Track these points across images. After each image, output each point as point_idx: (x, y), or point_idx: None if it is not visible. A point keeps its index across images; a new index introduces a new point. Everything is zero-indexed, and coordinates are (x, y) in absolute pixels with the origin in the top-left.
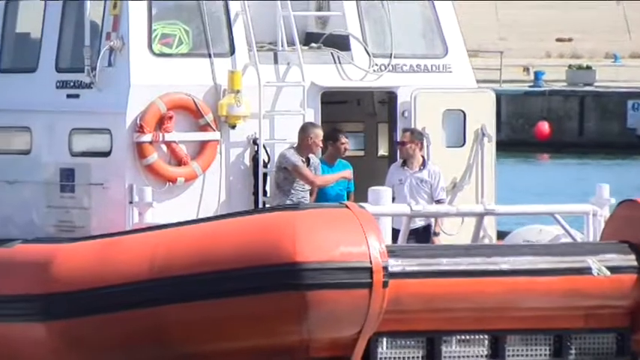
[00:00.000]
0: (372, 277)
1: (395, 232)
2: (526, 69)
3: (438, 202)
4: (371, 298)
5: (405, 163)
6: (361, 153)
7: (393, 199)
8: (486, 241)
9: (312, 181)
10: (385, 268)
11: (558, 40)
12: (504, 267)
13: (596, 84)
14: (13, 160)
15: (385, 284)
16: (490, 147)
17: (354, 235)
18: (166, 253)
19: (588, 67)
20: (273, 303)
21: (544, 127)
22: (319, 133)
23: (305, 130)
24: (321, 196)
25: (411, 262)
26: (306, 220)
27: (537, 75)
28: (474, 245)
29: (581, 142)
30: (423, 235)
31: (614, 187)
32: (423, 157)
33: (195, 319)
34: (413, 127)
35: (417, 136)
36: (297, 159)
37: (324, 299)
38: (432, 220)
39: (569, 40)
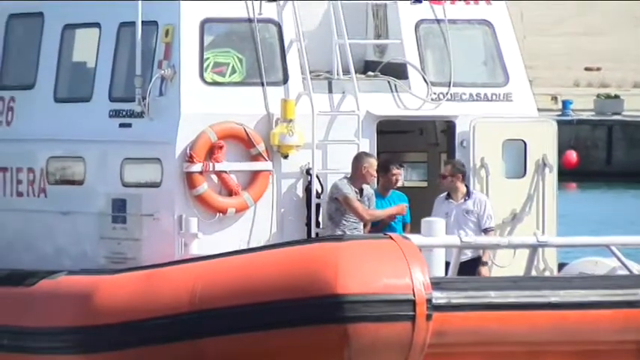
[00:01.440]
0: (414, 310)
1: (446, 265)
2: (554, 98)
3: (486, 230)
4: (414, 331)
5: (449, 196)
6: (424, 184)
7: None
8: (547, 274)
9: (361, 215)
10: (429, 301)
11: (587, 69)
12: (554, 300)
13: (624, 113)
14: (67, 190)
15: (429, 317)
16: (551, 177)
17: (397, 267)
18: (207, 284)
19: (616, 97)
20: (314, 336)
21: (572, 156)
22: (373, 163)
23: (359, 159)
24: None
25: (457, 295)
26: (349, 252)
27: (565, 104)
28: (522, 277)
29: (609, 170)
30: (472, 266)
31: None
32: (467, 186)
33: (235, 352)
34: (455, 160)
35: (458, 169)
36: (348, 190)
37: (366, 332)
38: (481, 251)
39: (598, 69)
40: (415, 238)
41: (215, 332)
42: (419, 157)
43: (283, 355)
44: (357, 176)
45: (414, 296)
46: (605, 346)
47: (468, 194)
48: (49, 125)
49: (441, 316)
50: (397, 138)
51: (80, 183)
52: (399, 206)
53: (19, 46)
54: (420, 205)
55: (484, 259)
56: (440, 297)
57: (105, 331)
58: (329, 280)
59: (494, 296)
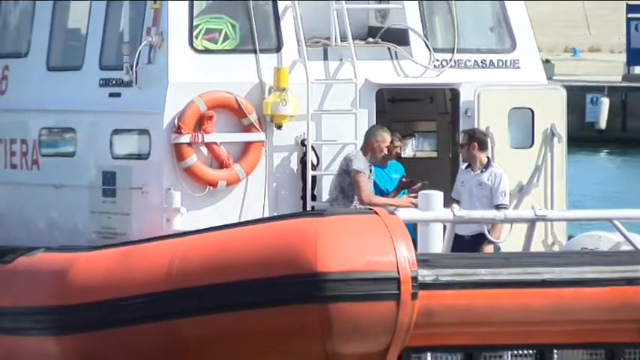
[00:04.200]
0: (399, 288)
1: (458, 239)
2: None
3: (498, 207)
4: (399, 311)
5: (469, 165)
6: (434, 154)
7: (459, 202)
8: (555, 248)
9: (361, 196)
10: (414, 279)
11: None
12: (548, 277)
13: (555, 77)
14: (59, 163)
15: (414, 296)
16: (561, 148)
17: (381, 243)
18: (184, 262)
19: (547, 61)
20: (294, 316)
21: None
22: (386, 138)
23: (372, 131)
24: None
25: (445, 272)
26: (330, 227)
27: None
28: (514, 254)
29: None
30: (478, 242)
31: (576, 181)
32: (488, 158)
33: (212, 332)
34: (474, 127)
35: (473, 138)
36: (363, 166)
37: (348, 312)
38: (490, 226)
39: None
40: (402, 213)
41: (191, 312)
42: (430, 126)
43: (263, 335)
44: (368, 148)
45: (399, 274)
46: (603, 325)
47: (487, 166)
48: (42, 95)
49: (428, 294)
50: (408, 106)
51: (71, 155)
52: (405, 199)
53: (14, 14)
54: (431, 177)
55: (493, 237)
56: (427, 274)
57: (78, 311)
58: (309, 258)
59: (484, 273)
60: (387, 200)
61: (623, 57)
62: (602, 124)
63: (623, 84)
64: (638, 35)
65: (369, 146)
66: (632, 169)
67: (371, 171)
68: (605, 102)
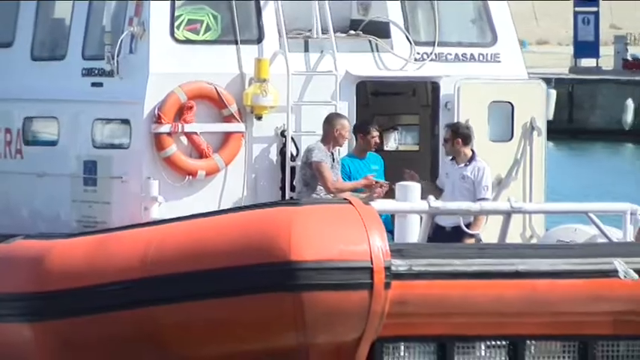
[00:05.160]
0: (372, 278)
1: (439, 230)
2: None
3: (479, 201)
4: (371, 300)
5: (454, 158)
6: (416, 147)
7: (442, 190)
8: (534, 241)
9: (327, 185)
10: (388, 268)
11: None
12: (521, 268)
13: None
14: (42, 151)
15: (387, 285)
16: (540, 141)
17: (355, 233)
18: (159, 250)
19: None
20: (268, 304)
21: None
22: (345, 125)
23: (330, 120)
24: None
25: (418, 263)
26: (304, 217)
27: None
28: (489, 245)
29: None
30: (458, 234)
31: None
32: (472, 151)
33: (187, 319)
34: (457, 122)
35: (456, 133)
36: (322, 156)
37: (321, 301)
38: (471, 218)
39: None
40: (377, 204)
41: (167, 299)
42: (413, 119)
43: (237, 323)
44: (329, 138)
45: (372, 263)
46: (576, 317)
47: (471, 159)
48: (26, 84)
49: (401, 284)
50: (390, 100)
51: (54, 144)
52: (366, 179)
53: None
54: (413, 169)
55: (474, 229)
56: (400, 265)
57: (54, 298)
58: (282, 247)
59: (458, 264)
60: (352, 183)
61: (571, 50)
62: (550, 115)
63: (570, 76)
64: (584, 28)
65: (330, 136)
66: (578, 159)
67: (334, 160)
68: (553, 94)
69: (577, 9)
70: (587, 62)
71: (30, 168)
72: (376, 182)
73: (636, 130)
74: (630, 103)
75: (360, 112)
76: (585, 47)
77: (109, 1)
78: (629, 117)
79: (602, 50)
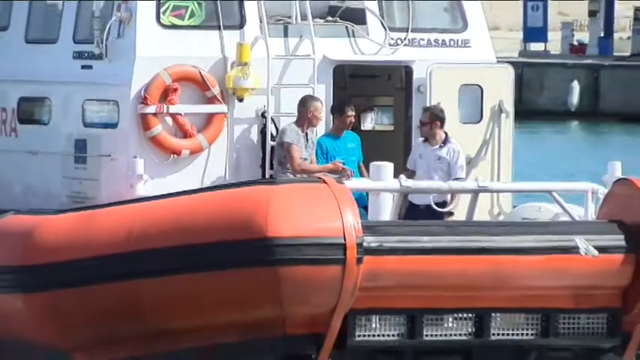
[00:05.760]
0: (345, 254)
1: (413, 208)
2: None
3: (456, 180)
4: (344, 274)
5: (427, 139)
6: (391, 127)
7: (414, 172)
8: (501, 218)
9: (293, 166)
10: (360, 245)
11: None
12: (487, 245)
13: None
14: (35, 130)
15: (359, 260)
16: (508, 123)
17: (329, 211)
18: (143, 226)
19: None
20: (246, 278)
21: None
22: (319, 106)
23: (304, 103)
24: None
25: (389, 239)
26: (281, 195)
27: None
28: (456, 222)
29: None
30: (431, 212)
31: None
32: (446, 133)
33: (169, 293)
34: (434, 105)
35: (436, 116)
36: (293, 137)
37: (297, 275)
38: (447, 196)
39: None
40: (350, 183)
41: (149, 273)
42: (388, 101)
43: (217, 296)
44: (303, 120)
45: (345, 240)
46: (539, 291)
47: (445, 141)
48: (20, 66)
49: (373, 259)
50: (367, 82)
51: (46, 123)
52: (334, 164)
53: None
54: (388, 148)
55: (449, 207)
56: (372, 241)
57: (43, 271)
58: (260, 223)
59: (426, 241)
60: (319, 167)
61: (521, 35)
62: (574, 102)
63: (519, 59)
64: (534, 15)
65: (304, 117)
66: (528, 139)
67: (308, 139)
68: (576, 86)
69: None
70: (536, 47)
71: (23, 146)
72: (343, 168)
73: (582, 111)
74: (576, 85)
75: (339, 94)
76: (534, 32)
77: None
78: (574, 98)
79: (550, 35)
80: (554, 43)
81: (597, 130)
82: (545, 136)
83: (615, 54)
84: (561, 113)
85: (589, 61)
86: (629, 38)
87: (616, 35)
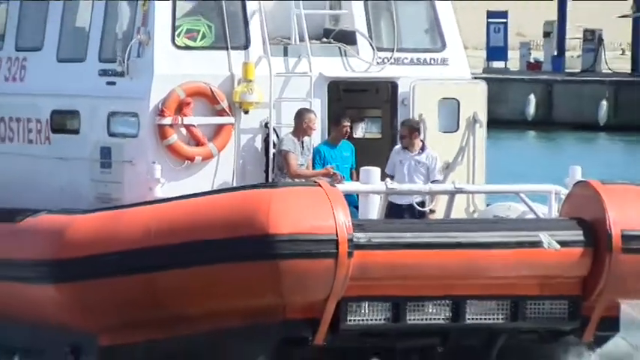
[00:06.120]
0: (337, 248)
1: (396, 207)
2: None
3: (434, 182)
4: (337, 266)
5: (406, 147)
6: (379, 135)
7: (393, 177)
8: (475, 215)
9: (289, 171)
10: (350, 240)
11: None
12: (462, 240)
13: None
14: (66, 139)
15: (350, 254)
16: (481, 132)
17: (323, 211)
18: (160, 224)
19: None
20: (251, 270)
21: None
22: (312, 118)
23: (300, 115)
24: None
25: (376, 235)
26: (281, 197)
27: None
28: (435, 220)
29: None
30: (412, 211)
31: None
32: (422, 141)
33: (182, 284)
34: (410, 118)
35: (414, 128)
36: (290, 146)
37: (295, 268)
38: (426, 197)
39: None
40: (342, 186)
41: (164, 266)
42: (377, 112)
43: (225, 286)
44: (299, 130)
45: (337, 236)
46: (508, 280)
47: (423, 148)
48: (53, 82)
49: (362, 253)
50: (358, 96)
51: (76, 132)
52: (326, 169)
53: (31, 13)
54: (376, 154)
55: (428, 206)
56: (361, 237)
57: (72, 264)
58: (262, 222)
59: (409, 237)
60: (310, 172)
61: (484, 53)
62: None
63: (483, 75)
64: (495, 36)
65: (299, 128)
66: (491, 145)
67: (303, 147)
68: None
69: (489, 20)
70: (498, 64)
71: (56, 153)
72: (334, 173)
73: (537, 121)
74: (532, 98)
75: (334, 106)
76: (496, 52)
77: (120, 13)
78: (531, 110)
79: (510, 54)
80: (514, 60)
81: (551, 137)
82: (507, 143)
83: (567, 70)
84: (520, 122)
85: (544, 76)
86: (579, 56)
87: (567, 54)
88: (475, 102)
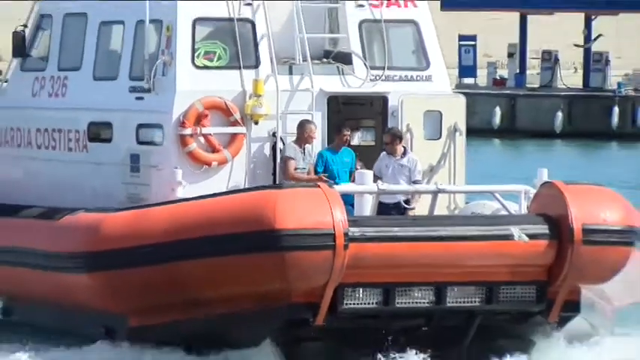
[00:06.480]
0: (335, 241)
1: (385, 206)
2: None
3: (415, 182)
4: (334, 257)
5: (390, 153)
6: (373, 143)
7: (381, 178)
8: (456, 212)
9: (286, 175)
10: (346, 234)
11: None
12: (444, 233)
13: None
14: (100, 147)
15: (346, 246)
16: (461, 139)
17: (322, 209)
18: (181, 220)
19: None
20: (260, 261)
21: None
22: (312, 128)
23: (302, 125)
24: (328, 175)
25: (369, 230)
26: (286, 197)
27: None
28: (420, 216)
29: None
30: (399, 208)
31: None
32: (404, 147)
33: (202, 272)
34: (392, 127)
35: (396, 136)
36: (290, 153)
37: (298, 258)
38: (410, 196)
39: None
40: (339, 187)
41: (186, 257)
42: (371, 123)
43: (237, 274)
44: (301, 139)
45: (334, 231)
46: (484, 268)
47: (404, 153)
48: (89, 97)
49: (356, 245)
50: (356, 108)
51: (109, 141)
52: (319, 177)
53: (71, 38)
54: (371, 159)
55: (412, 204)
56: (355, 231)
57: (105, 255)
58: (270, 218)
59: (397, 231)
60: (305, 177)
61: (456, 71)
62: None
63: (455, 90)
64: (466, 56)
65: (301, 137)
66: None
67: (304, 153)
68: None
69: (461, 42)
70: (468, 81)
71: (92, 159)
72: (325, 180)
73: (502, 130)
74: (498, 110)
75: (335, 117)
76: (466, 70)
77: (147, 37)
78: (497, 120)
79: (478, 72)
80: (482, 77)
81: (514, 144)
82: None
83: (528, 86)
84: (487, 131)
85: (508, 91)
86: (538, 74)
87: (528, 72)
88: (455, 113)
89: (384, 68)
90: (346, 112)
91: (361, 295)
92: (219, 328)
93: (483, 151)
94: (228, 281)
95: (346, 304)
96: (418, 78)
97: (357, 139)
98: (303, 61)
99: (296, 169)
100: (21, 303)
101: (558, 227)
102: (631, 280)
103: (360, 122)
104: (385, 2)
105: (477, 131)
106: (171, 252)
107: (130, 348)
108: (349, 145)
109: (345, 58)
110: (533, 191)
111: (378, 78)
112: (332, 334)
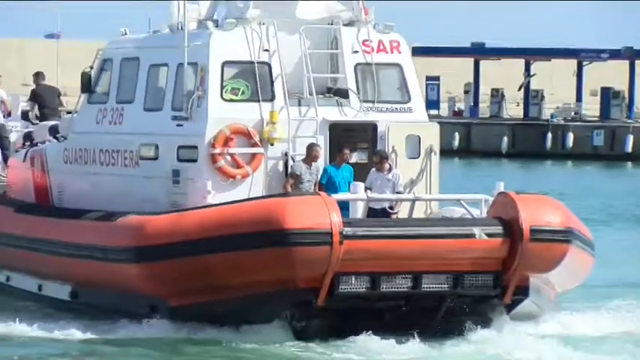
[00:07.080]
0: (332, 239)
1: (373, 211)
2: None
3: (397, 192)
4: (332, 251)
5: (378, 169)
6: (365, 161)
7: (370, 189)
8: (430, 216)
9: (285, 188)
10: (341, 233)
11: None
12: (421, 232)
13: None
14: (149, 164)
15: (341, 243)
16: (436, 158)
17: (322, 213)
18: (210, 222)
19: None
20: (272, 254)
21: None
22: (318, 150)
23: (309, 148)
24: (330, 186)
25: (360, 229)
26: (293, 203)
27: None
28: (403, 219)
29: None
30: (385, 212)
31: None
32: (390, 164)
33: (226, 264)
34: (380, 149)
35: (382, 156)
36: (295, 170)
37: (302, 252)
38: (394, 203)
39: None
40: (336, 195)
41: (214, 251)
42: (365, 145)
43: (254, 265)
44: (309, 158)
45: (332, 230)
46: (452, 260)
47: (390, 169)
48: (140, 124)
49: (350, 242)
50: (352, 133)
51: (156, 159)
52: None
53: (127, 76)
54: (364, 174)
55: (395, 209)
56: (349, 230)
57: (149, 249)
58: (280, 219)
59: (383, 230)
60: (290, 190)
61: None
62: None
63: None
64: (431, 92)
65: (309, 156)
66: None
67: (311, 169)
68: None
69: (427, 82)
70: (433, 112)
71: (142, 173)
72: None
73: (460, 150)
74: (457, 135)
75: (337, 139)
76: (432, 103)
77: (186, 76)
78: (456, 142)
79: (441, 105)
80: (444, 109)
81: (469, 162)
82: (441, 166)
83: (480, 116)
84: (448, 151)
85: (464, 120)
86: (488, 107)
87: (480, 105)
88: (431, 137)
89: (374, 101)
90: (346, 136)
91: (354, 282)
92: (241, 308)
93: (445, 168)
94: (248, 270)
95: (342, 288)
96: (401, 109)
97: (355, 157)
98: (310, 95)
99: (294, 184)
100: (85, 288)
101: (511, 228)
102: (570, 270)
103: (356, 145)
104: (375, 49)
105: (441, 152)
106: (203, 247)
107: (170, 324)
108: (348, 163)
109: (343, 93)
110: (491, 199)
111: (369, 109)
112: (330, 313)
